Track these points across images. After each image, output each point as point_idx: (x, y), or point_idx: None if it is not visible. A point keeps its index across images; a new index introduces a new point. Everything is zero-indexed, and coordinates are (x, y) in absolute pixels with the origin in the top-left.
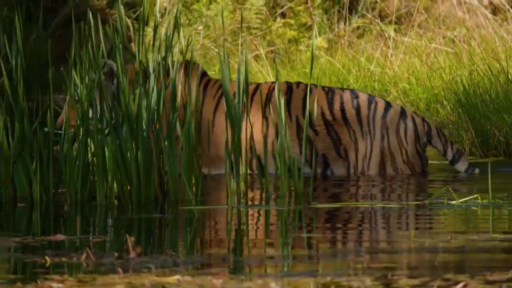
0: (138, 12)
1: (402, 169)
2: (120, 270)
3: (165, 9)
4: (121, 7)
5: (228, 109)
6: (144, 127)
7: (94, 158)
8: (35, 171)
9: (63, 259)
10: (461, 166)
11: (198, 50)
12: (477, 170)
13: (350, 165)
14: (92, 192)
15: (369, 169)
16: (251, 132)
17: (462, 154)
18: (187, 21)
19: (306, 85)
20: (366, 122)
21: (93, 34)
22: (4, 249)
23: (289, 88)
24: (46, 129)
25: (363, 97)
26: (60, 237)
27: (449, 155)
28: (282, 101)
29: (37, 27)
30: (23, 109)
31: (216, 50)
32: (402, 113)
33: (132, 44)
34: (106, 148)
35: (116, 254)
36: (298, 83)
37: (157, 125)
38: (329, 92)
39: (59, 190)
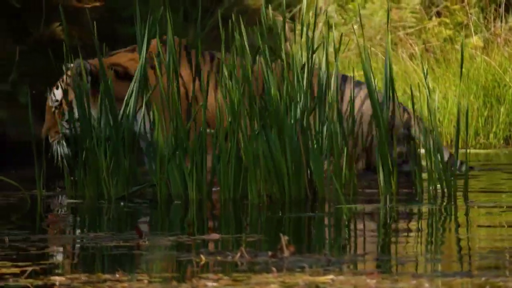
0: (293, 11)
1: (359, 155)
2: (274, 269)
3: (321, 8)
4: (269, 7)
5: (374, 107)
6: (292, 126)
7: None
8: (189, 170)
9: (218, 258)
10: (444, 154)
11: (353, 49)
12: (464, 166)
13: None
14: (245, 190)
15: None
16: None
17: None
18: (343, 20)
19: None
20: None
21: (240, 34)
22: (159, 248)
23: None
24: (200, 128)
25: (349, 85)
26: (214, 236)
27: None
28: (437, 95)
29: (195, 27)
30: (177, 108)
31: (373, 49)
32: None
33: (288, 43)
34: (256, 148)
35: (270, 253)
36: None
37: (305, 124)
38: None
39: (213, 189)
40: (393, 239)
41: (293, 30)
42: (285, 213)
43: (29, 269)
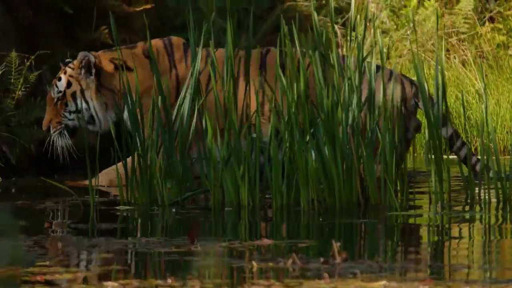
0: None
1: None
2: (326, 275)
3: (373, 14)
4: (315, 14)
5: (426, 113)
6: (343, 132)
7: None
8: (242, 176)
9: (270, 264)
10: (448, 131)
11: (405, 55)
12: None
13: None
14: (297, 197)
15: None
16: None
17: (448, 119)
18: (395, 26)
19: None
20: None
21: (291, 40)
22: (211, 254)
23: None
24: (253, 135)
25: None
26: (266, 241)
27: None
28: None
29: (247, 34)
30: (231, 115)
31: (424, 55)
32: (390, 75)
33: (340, 49)
34: (307, 154)
35: (322, 259)
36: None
37: (356, 129)
38: None
39: (266, 195)
40: (446, 245)
41: (345, 36)
42: (337, 219)
43: (82, 275)
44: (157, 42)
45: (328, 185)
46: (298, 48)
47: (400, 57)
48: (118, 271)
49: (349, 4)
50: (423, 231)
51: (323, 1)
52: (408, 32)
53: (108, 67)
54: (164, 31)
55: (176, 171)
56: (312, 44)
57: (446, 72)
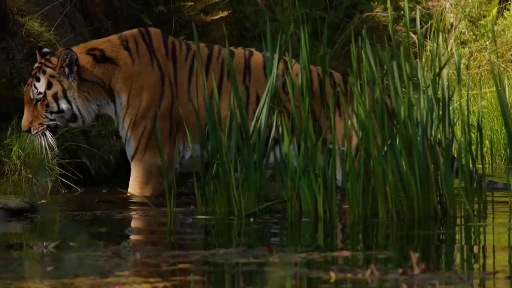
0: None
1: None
2: (404, 286)
3: (452, 24)
4: (390, 25)
5: (506, 123)
6: (420, 143)
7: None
8: (319, 186)
9: (348, 275)
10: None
11: (484, 66)
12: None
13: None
14: (375, 207)
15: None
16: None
17: None
18: (474, 37)
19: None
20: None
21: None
22: (290, 265)
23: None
24: (330, 146)
25: (335, 75)
26: (344, 253)
27: None
28: None
29: (324, 44)
30: (307, 126)
31: (503, 65)
32: None
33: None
34: (384, 165)
35: (400, 270)
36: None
37: (432, 140)
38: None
39: (343, 206)
40: None
41: (423, 46)
42: (415, 230)
43: (160, 285)
44: (134, 32)
45: (405, 196)
46: (371, 58)
47: (479, 67)
48: (196, 281)
49: (429, 14)
50: (502, 242)
51: (401, 12)
52: (487, 42)
53: (85, 59)
54: (238, 42)
55: (253, 181)
56: (389, 54)
57: None
